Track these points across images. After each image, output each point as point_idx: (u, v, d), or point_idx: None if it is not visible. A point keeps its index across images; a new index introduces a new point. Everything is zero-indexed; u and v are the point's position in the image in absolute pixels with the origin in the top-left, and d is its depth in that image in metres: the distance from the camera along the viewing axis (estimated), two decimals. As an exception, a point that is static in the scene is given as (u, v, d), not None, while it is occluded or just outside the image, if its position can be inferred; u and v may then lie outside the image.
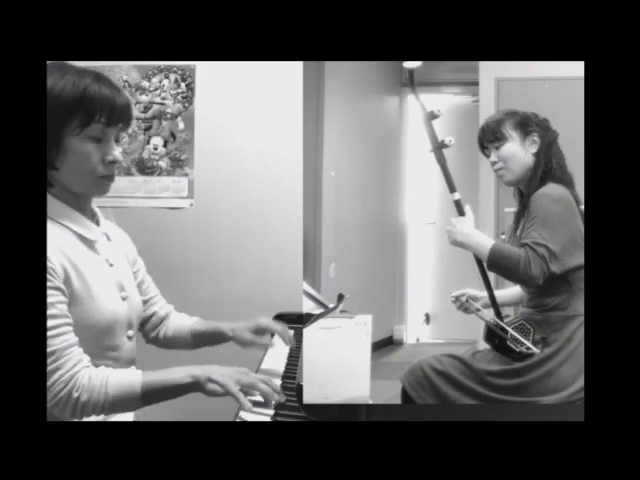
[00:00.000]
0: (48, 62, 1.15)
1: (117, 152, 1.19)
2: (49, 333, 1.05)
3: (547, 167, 1.47)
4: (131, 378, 1.10)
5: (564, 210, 1.38)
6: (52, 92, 1.11)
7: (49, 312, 1.06)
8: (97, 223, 1.26)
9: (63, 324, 1.08)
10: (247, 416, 1.12)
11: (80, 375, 1.07)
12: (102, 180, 1.18)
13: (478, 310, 1.57)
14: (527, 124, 1.50)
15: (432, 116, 1.47)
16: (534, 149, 1.49)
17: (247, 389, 1.10)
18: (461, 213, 1.48)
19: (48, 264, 1.07)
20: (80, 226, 1.19)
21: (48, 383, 1.04)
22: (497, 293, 1.55)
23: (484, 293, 1.57)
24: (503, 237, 1.73)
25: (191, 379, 1.09)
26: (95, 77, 1.15)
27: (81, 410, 1.06)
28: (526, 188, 1.50)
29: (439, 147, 1.49)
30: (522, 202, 1.50)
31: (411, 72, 1.49)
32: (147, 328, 1.48)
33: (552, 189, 1.42)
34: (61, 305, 1.09)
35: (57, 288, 1.08)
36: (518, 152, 1.49)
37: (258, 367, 1.57)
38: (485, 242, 1.41)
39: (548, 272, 1.35)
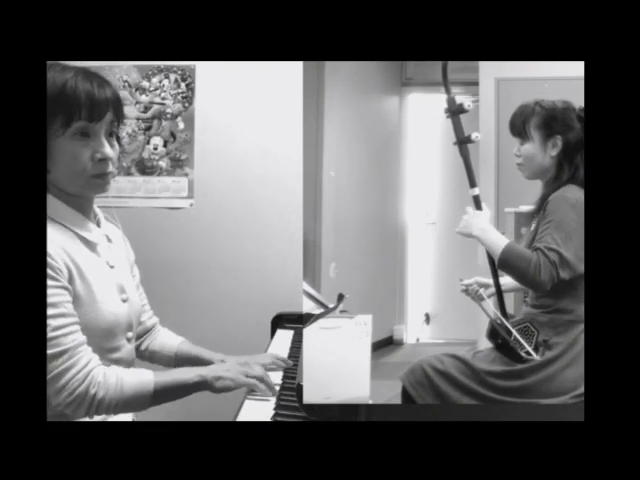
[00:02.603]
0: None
1: (108, 149, 1.14)
2: (59, 332, 1.05)
3: (569, 170, 1.46)
4: (144, 377, 1.13)
5: (580, 215, 1.36)
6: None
7: (58, 311, 1.06)
8: (98, 224, 1.25)
9: (72, 323, 1.08)
10: (247, 414, 1.13)
11: (95, 372, 1.08)
12: (95, 179, 1.15)
13: (483, 299, 1.58)
14: (551, 126, 1.47)
15: (461, 109, 1.47)
16: (554, 152, 1.47)
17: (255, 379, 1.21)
18: (479, 208, 1.48)
19: (53, 264, 1.07)
20: (82, 228, 1.18)
21: (62, 382, 1.05)
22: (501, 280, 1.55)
23: (492, 281, 1.58)
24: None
25: (199, 378, 1.15)
26: (76, 72, 1.13)
27: (97, 407, 1.07)
28: (546, 187, 1.50)
29: (464, 141, 1.48)
30: (540, 200, 1.49)
31: (445, 66, 1.48)
32: None
33: (571, 192, 1.41)
34: (68, 304, 1.09)
35: (64, 287, 1.08)
36: (537, 154, 1.48)
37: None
38: (499, 240, 1.41)
39: (557, 278, 1.34)
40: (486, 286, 1.62)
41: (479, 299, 1.60)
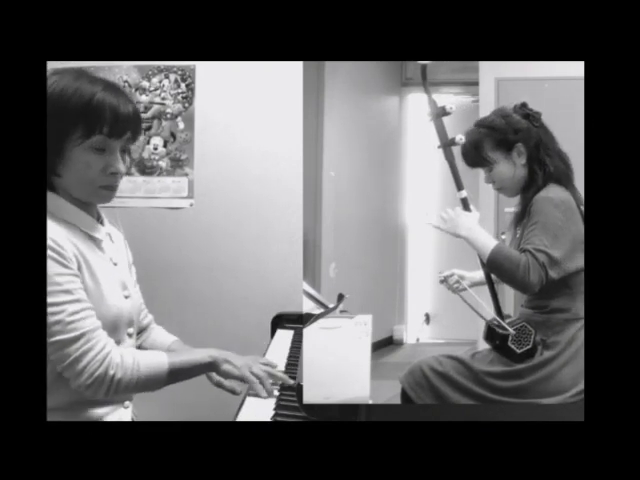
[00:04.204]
0: (69, 67, 1.17)
1: (120, 164, 1.19)
2: (76, 317, 1.08)
3: (540, 169, 1.44)
4: (159, 358, 1.17)
5: (565, 214, 1.37)
6: (61, 97, 1.12)
7: (73, 297, 1.09)
8: (102, 223, 1.28)
9: (87, 308, 1.11)
10: (247, 414, 1.13)
11: (113, 354, 1.11)
12: (103, 190, 1.19)
13: (464, 289, 1.57)
14: (506, 139, 1.46)
15: (443, 112, 1.46)
16: (523, 160, 1.46)
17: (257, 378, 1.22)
18: (467, 210, 1.47)
19: (65, 253, 1.10)
20: (87, 226, 1.21)
21: (81, 365, 1.07)
22: (479, 273, 1.54)
23: (471, 273, 1.58)
24: (503, 237, 1.73)
25: (210, 359, 1.22)
26: (105, 86, 1.16)
27: (115, 388, 1.10)
28: (524, 192, 1.49)
29: (448, 144, 1.47)
30: (522, 203, 1.49)
31: (424, 68, 1.47)
32: None
33: (553, 192, 1.40)
34: (82, 291, 1.12)
35: (76, 275, 1.11)
36: (509, 171, 1.47)
37: (263, 356, 1.57)
38: (487, 241, 1.40)
39: (546, 279, 1.34)
40: (463, 278, 1.60)
41: (459, 290, 1.59)
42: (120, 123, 1.15)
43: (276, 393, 1.23)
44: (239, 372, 1.22)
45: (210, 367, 1.22)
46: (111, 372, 1.09)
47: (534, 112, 1.47)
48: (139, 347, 1.49)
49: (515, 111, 1.48)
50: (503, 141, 1.46)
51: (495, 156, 1.47)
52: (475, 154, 1.48)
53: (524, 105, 1.48)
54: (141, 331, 1.50)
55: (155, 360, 1.17)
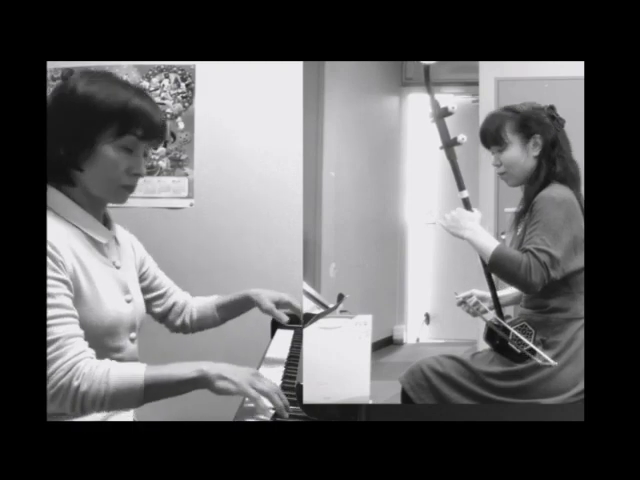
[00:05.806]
0: (94, 69, 1.22)
1: (143, 167, 1.23)
2: (52, 322, 1.03)
3: (547, 167, 1.45)
4: (134, 370, 1.05)
5: (567, 213, 1.37)
6: (95, 98, 1.14)
7: (53, 301, 1.05)
8: (109, 227, 1.29)
9: (67, 315, 1.07)
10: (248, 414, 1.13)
11: (82, 364, 1.03)
12: (122, 189, 1.22)
13: (485, 312, 1.55)
14: (528, 126, 1.47)
15: (445, 113, 1.46)
16: (536, 152, 1.46)
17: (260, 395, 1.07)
18: (469, 210, 1.47)
19: (57, 257, 1.08)
20: (91, 228, 1.21)
21: (48, 372, 1.01)
22: (499, 293, 1.54)
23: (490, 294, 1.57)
24: (503, 237, 1.73)
25: (198, 373, 1.05)
26: (137, 92, 1.19)
27: (81, 402, 1.02)
28: (527, 188, 1.49)
29: (450, 144, 1.47)
30: (525, 200, 1.49)
31: (427, 68, 1.47)
32: (171, 318, 1.55)
33: (556, 191, 1.40)
34: (66, 297, 1.08)
35: (64, 281, 1.09)
36: (520, 157, 1.47)
37: (263, 356, 1.58)
38: (489, 243, 1.40)
39: (548, 279, 1.34)
40: (483, 299, 1.58)
41: (481, 312, 1.57)
42: (153, 128, 1.19)
43: (286, 415, 1.09)
44: (237, 388, 1.05)
45: (200, 383, 1.05)
46: (75, 383, 1.01)
47: (560, 117, 1.49)
48: (190, 323, 1.57)
49: (544, 110, 1.50)
50: (524, 127, 1.47)
51: (512, 138, 1.48)
52: (494, 132, 1.49)
53: (552, 108, 1.50)
54: (184, 309, 1.56)
55: (129, 373, 1.04)
